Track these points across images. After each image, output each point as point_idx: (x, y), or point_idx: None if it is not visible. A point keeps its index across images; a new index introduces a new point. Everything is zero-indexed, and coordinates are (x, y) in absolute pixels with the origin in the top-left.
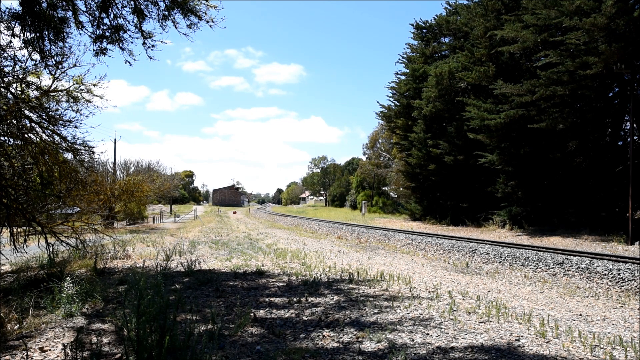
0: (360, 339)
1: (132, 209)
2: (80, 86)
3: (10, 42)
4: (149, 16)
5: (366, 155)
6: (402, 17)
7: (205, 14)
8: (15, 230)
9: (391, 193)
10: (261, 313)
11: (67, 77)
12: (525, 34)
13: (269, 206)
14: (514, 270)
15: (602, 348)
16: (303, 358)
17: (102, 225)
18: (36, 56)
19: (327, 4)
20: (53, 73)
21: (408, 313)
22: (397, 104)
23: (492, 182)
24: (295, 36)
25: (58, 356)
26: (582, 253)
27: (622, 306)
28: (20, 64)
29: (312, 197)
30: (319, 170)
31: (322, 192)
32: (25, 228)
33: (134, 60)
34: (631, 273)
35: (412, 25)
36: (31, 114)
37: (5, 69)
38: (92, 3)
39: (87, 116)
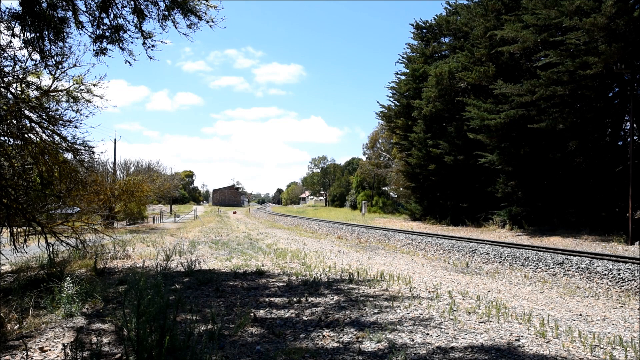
0: (360, 339)
1: (132, 209)
2: (80, 86)
3: (10, 42)
4: (149, 16)
5: (366, 155)
6: (402, 17)
7: (205, 14)
8: (15, 230)
9: (391, 193)
10: (261, 313)
11: (67, 77)
12: (525, 34)
13: (269, 206)
14: (514, 270)
15: (602, 348)
16: (303, 358)
17: (102, 225)
18: (36, 56)
19: (327, 4)
20: (53, 73)
21: (408, 313)
22: (397, 104)
23: (492, 182)
24: (295, 36)
25: (58, 356)
26: (582, 253)
27: (622, 306)
28: (20, 64)
29: (312, 197)
30: (319, 170)
31: (322, 192)
32: (25, 228)
33: (134, 60)
34: (631, 273)
35: (412, 25)
36: (31, 114)
37: (5, 69)
38: (92, 3)
39: (87, 116)
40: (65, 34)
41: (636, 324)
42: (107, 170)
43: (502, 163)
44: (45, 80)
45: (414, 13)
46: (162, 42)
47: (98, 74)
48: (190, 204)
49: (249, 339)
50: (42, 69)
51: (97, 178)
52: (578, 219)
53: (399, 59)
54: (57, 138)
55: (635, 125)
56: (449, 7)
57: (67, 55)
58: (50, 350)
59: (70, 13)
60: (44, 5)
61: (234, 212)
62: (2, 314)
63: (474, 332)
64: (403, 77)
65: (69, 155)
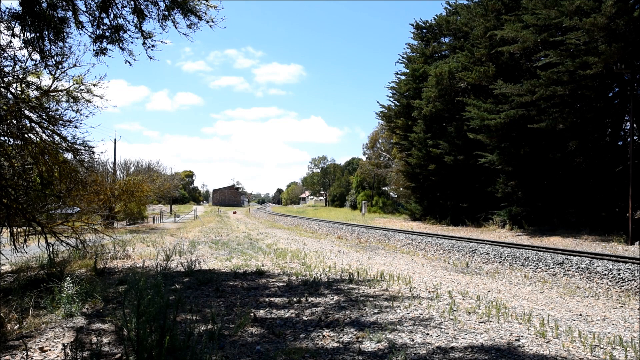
0: (360, 339)
1: (132, 209)
2: (80, 86)
3: (10, 42)
4: (149, 16)
5: (366, 155)
6: (402, 17)
7: (205, 14)
8: (15, 230)
9: (391, 193)
10: (261, 313)
11: (67, 77)
12: (525, 34)
13: (269, 206)
14: (514, 270)
15: (602, 348)
16: (303, 358)
17: (102, 225)
18: (36, 56)
19: (327, 4)
20: (53, 73)
21: (408, 313)
22: (397, 104)
23: (492, 182)
24: (295, 36)
25: (58, 356)
26: (582, 253)
27: (622, 306)
28: (20, 64)
29: (312, 197)
30: (319, 170)
31: (322, 192)
32: (25, 228)
33: (134, 60)
34: (631, 273)
35: (412, 25)
36: (31, 114)
37: (5, 69)
38: (92, 3)
39: (87, 116)
40: (65, 34)
41: (636, 324)
42: (107, 170)
43: (502, 163)
44: (45, 80)
45: (414, 13)
46: (162, 42)
47: (98, 74)
48: (190, 204)
49: (249, 339)
50: (42, 69)
51: (97, 178)
52: (578, 219)
53: (399, 59)
54: (57, 138)
55: (635, 125)
56: (449, 7)
57: (67, 55)
58: (50, 350)
59: (70, 13)
60: (44, 5)
61: (234, 212)
62: (2, 314)
63: (474, 332)
64: (403, 77)
65: (69, 155)
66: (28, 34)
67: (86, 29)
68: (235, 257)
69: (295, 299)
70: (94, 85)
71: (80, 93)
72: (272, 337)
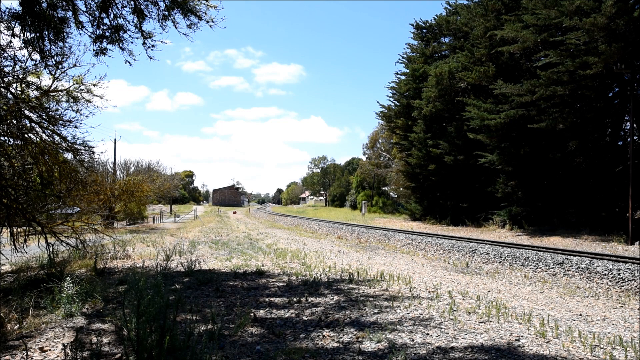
0: (360, 339)
1: (132, 209)
2: (80, 86)
3: (10, 42)
4: (149, 16)
5: (366, 155)
6: (402, 17)
7: (205, 14)
8: (15, 230)
9: (391, 193)
10: (261, 313)
11: (67, 77)
12: (525, 34)
13: (269, 206)
14: (514, 270)
15: (602, 348)
16: (303, 358)
17: (102, 225)
18: (36, 56)
19: (327, 4)
20: (53, 73)
21: (408, 313)
22: (397, 104)
23: (492, 182)
24: (295, 36)
25: (58, 356)
26: (582, 253)
27: (622, 306)
28: (20, 64)
29: (312, 197)
30: (319, 170)
31: (322, 192)
32: (25, 228)
33: (134, 60)
34: (631, 273)
35: (412, 25)
36: (31, 114)
37: (5, 69)
38: (92, 3)
39: (87, 116)
40: (65, 34)
41: (636, 324)
42: (107, 170)
43: (502, 163)
44: (45, 80)
45: (414, 13)
46: (162, 42)
47: (98, 74)
48: (190, 204)
49: (249, 339)
50: (42, 69)
51: (97, 178)
52: (578, 219)
53: (399, 59)
54: (57, 138)
55: (635, 125)
56: (449, 7)
57: (67, 55)
58: (50, 350)
59: (70, 13)
60: (44, 5)
61: (234, 212)
62: (2, 314)
63: (474, 332)
64: (403, 77)
65: (69, 155)
66: (28, 34)
67: (86, 29)
68: (235, 257)
69: (295, 299)
70: (94, 85)
71: (80, 93)
72: (272, 337)
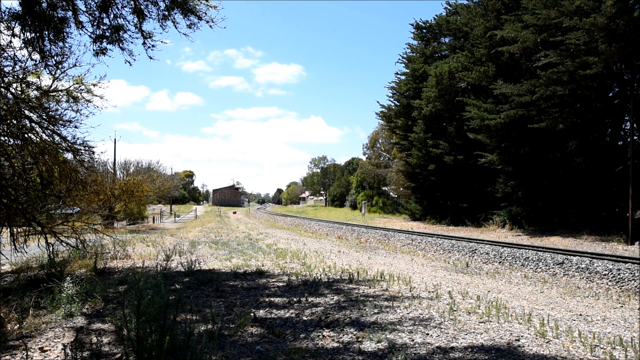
0: (360, 339)
1: (132, 209)
2: (80, 86)
3: (10, 42)
4: (149, 16)
5: (366, 155)
6: (402, 17)
7: (205, 14)
8: (15, 230)
9: (391, 193)
10: (261, 313)
11: (67, 77)
12: (525, 34)
13: (269, 206)
14: (514, 270)
15: (602, 348)
16: (303, 358)
17: (102, 225)
18: (36, 56)
19: (327, 4)
20: (53, 73)
21: (408, 313)
22: (397, 104)
23: (492, 182)
24: (295, 36)
25: (58, 356)
26: (582, 253)
27: (622, 306)
28: (20, 64)
29: (312, 197)
30: (319, 170)
31: (322, 192)
32: (25, 228)
33: (134, 60)
34: (631, 273)
35: (412, 25)
36: (31, 114)
37: (5, 69)
38: (92, 3)
39: (87, 116)
40: (65, 34)
41: (636, 324)
42: (107, 170)
43: (502, 163)
44: (45, 80)
45: (414, 13)
46: (162, 42)
47: (98, 74)
48: (190, 204)
49: (249, 339)
50: (42, 69)
51: (97, 178)
52: (578, 219)
53: (399, 59)
54: (57, 138)
55: (635, 125)
56: (449, 7)
57: (67, 55)
58: (50, 350)
59: (70, 13)
60: (44, 5)
61: (234, 212)
62: (2, 314)
63: (474, 332)
64: (403, 77)
65: (69, 155)
66: (28, 34)
67: (86, 29)
68: (235, 257)
69: (295, 299)
70: (94, 85)
71: (80, 93)
72: (272, 337)
